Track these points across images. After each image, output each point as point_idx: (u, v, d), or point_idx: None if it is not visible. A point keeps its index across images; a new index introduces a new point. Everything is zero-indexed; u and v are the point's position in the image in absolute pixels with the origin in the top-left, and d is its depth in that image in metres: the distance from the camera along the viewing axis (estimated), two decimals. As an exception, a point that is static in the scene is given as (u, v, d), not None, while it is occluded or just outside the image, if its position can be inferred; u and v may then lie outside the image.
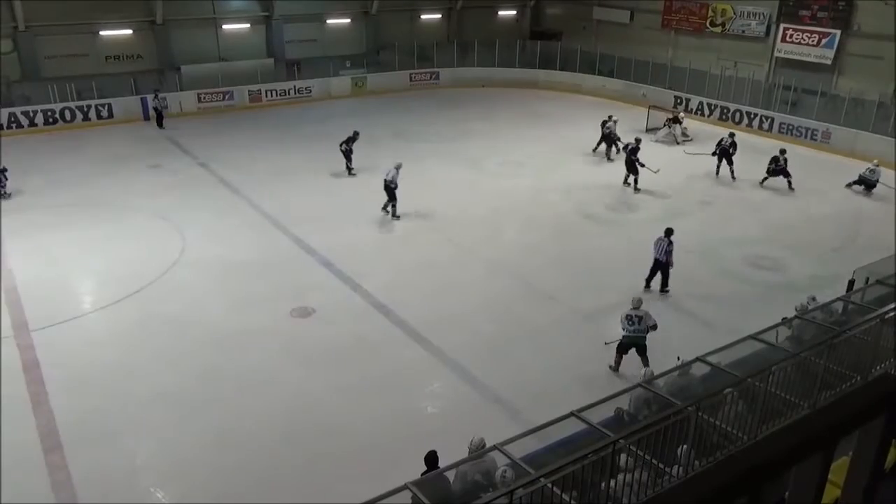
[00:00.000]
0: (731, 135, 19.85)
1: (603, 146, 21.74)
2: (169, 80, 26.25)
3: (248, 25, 29.24)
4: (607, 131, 21.56)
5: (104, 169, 19.76)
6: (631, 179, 18.73)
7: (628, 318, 10.39)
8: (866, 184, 18.72)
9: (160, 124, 24.32)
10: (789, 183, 18.66)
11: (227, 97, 26.95)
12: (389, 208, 16.85)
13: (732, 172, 19.36)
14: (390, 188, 16.58)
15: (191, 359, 11.09)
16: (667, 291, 13.25)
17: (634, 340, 10.41)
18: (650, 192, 18.51)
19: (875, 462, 1.77)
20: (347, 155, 19.62)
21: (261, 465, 8.73)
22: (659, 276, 13.24)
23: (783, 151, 18.89)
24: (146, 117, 24.74)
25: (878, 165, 18.78)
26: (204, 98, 26.50)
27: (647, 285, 13.31)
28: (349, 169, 19.81)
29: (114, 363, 10.92)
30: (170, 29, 27.23)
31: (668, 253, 12.92)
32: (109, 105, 24.65)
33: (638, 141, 18.80)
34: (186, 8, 27.35)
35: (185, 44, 27.59)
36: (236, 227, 16.30)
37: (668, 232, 13.11)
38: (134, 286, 13.29)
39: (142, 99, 24.92)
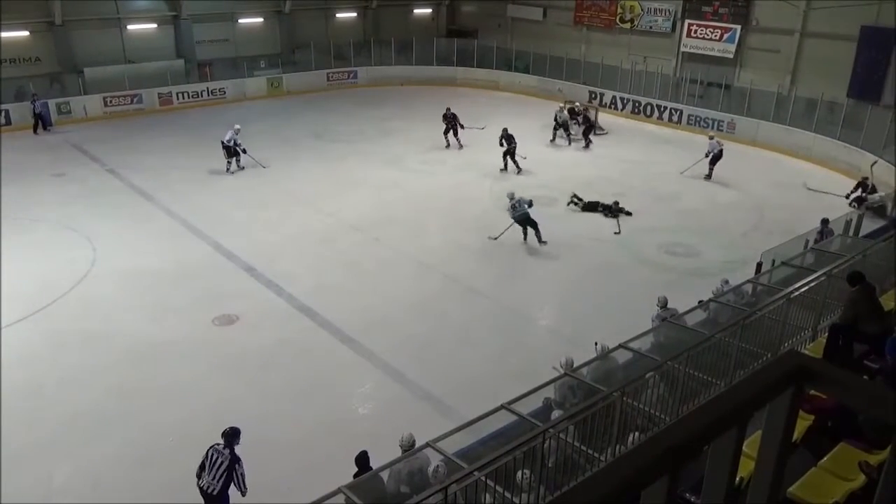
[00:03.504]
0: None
1: (561, 131, 22.83)
2: (71, 83, 24.94)
3: (154, 26, 28.14)
4: (562, 120, 22.87)
5: (3, 179, 18.57)
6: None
7: (510, 207, 14.72)
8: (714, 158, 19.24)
9: (36, 130, 22.81)
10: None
11: (135, 100, 25.86)
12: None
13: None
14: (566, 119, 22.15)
15: (107, 375, 10.59)
16: None
17: (522, 217, 14.57)
18: (565, 188, 18.91)
19: (784, 433, 1.86)
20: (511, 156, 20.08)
21: (185, 482, 8.42)
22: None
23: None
24: (45, 125, 23.27)
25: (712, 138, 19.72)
26: (110, 102, 25.32)
27: None
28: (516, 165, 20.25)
29: (23, 384, 10.31)
30: (70, 30, 25.86)
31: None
32: (7, 111, 23.23)
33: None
34: (87, 8, 26.03)
35: (88, 45, 26.25)
36: (151, 235, 15.67)
37: (826, 221, 13.35)
38: (42, 301, 12.60)
39: (42, 104, 23.45)
